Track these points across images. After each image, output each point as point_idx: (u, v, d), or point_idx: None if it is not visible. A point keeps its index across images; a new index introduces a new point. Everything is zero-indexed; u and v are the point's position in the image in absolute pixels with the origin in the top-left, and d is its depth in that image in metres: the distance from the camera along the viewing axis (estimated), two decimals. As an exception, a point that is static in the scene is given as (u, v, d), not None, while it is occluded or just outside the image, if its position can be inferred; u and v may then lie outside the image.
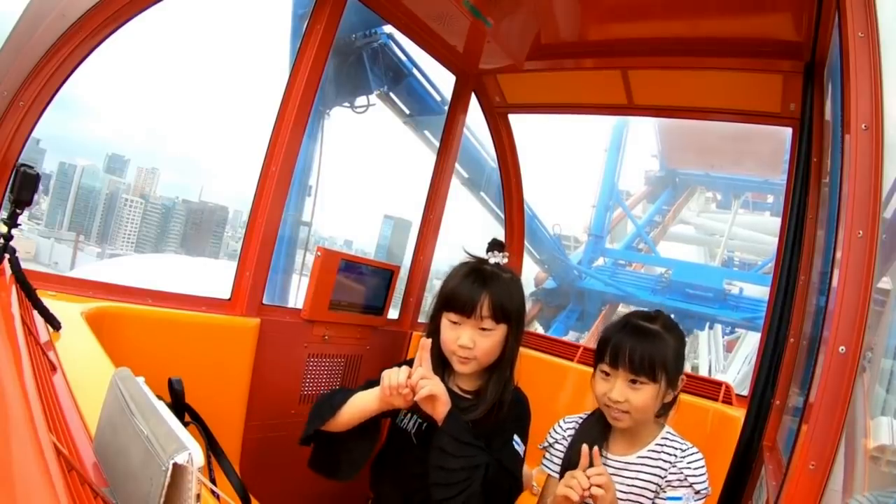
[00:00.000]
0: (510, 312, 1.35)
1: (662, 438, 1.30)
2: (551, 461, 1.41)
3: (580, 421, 1.41)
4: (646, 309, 1.58)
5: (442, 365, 1.40)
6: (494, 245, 1.43)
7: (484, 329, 1.33)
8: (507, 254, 1.44)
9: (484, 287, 1.32)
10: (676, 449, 1.28)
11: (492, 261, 1.41)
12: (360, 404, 1.34)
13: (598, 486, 1.15)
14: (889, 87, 0.92)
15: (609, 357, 1.27)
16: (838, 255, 0.93)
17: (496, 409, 1.36)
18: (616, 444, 1.33)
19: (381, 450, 1.47)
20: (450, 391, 1.40)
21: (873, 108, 0.92)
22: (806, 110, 1.61)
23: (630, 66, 2.14)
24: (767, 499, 1.17)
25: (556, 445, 1.41)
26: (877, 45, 0.95)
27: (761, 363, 1.57)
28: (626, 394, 1.24)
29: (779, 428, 1.57)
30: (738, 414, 1.76)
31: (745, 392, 2.01)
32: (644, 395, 1.24)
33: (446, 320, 1.37)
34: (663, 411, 1.32)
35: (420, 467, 1.31)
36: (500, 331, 1.35)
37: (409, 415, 1.40)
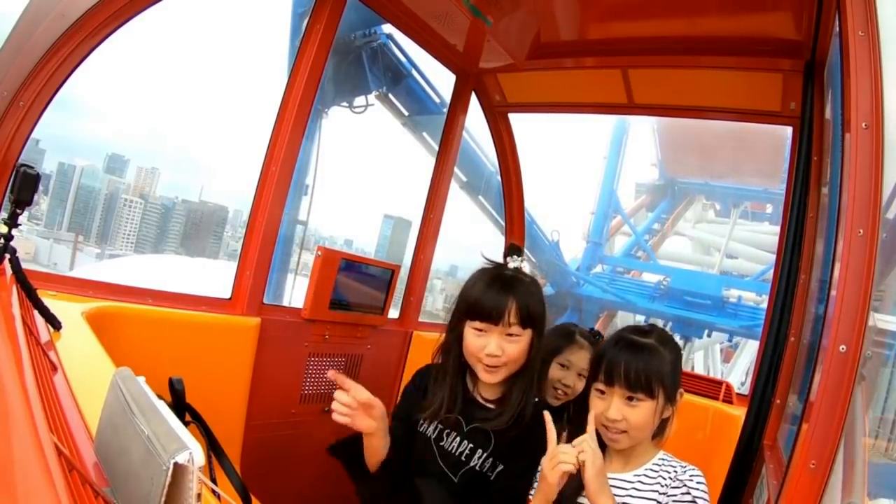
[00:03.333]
0: (536, 317, 1.33)
1: (660, 459, 1.27)
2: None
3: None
4: (643, 318, 1.52)
5: (462, 373, 1.40)
6: (513, 250, 1.42)
7: (511, 335, 1.31)
8: (525, 258, 1.42)
9: (510, 293, 1.30)
10: (676, 466, 1.24)
11: (511, 265, 1.39)
12: (369, 453, 1.34)
13: (583, 451, 1.13)
14: (889, 86, 0.92)
15: (604, 375, 1.23)
16: (839, 253, 0.93)
17: (520, 418, 1.33)
18: (611, 463, 1.28)
19: (405, 455, 1.43)
20: (473, 401, 1.40)
21: (874, 106, 0.92)
22: (806, 109, 1.61)
23: (630, 66, 2.14)
24: (768, 498, 1.17)
25: None
26: (877, 43, 0.95)
27: (762, 362, 1.57)
28: (624, 412, 1.20)
29: (779, 427, 1.57)
30: (739, 413, 1.76)
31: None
32: (642, 412, 1.20)
33: (471, 328, 1.34)
34: (660, 430, 1.28)
35: (438, 467, 1.35)
36: (526, 336, 1.33)
37: (428, 420, 1.40)
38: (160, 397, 0.60)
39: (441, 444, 1.37)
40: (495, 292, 1.31)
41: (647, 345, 1.23)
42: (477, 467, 1.34)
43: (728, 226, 14.64)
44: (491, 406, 1.39)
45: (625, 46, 2.11)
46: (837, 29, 1.16)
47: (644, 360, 1.20)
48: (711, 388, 2.05)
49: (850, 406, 0.85)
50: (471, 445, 1.35)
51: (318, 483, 2.02)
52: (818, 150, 1.59)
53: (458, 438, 1.37)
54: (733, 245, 14.39)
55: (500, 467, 1.34)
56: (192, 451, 0.51)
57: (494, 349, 1.29)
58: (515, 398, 1.35)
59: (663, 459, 1.26)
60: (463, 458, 1.35)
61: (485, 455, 1.34)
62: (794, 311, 1.58)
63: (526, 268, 1.41)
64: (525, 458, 1.31)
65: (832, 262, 0.99)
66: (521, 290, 1.32)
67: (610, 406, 1.20)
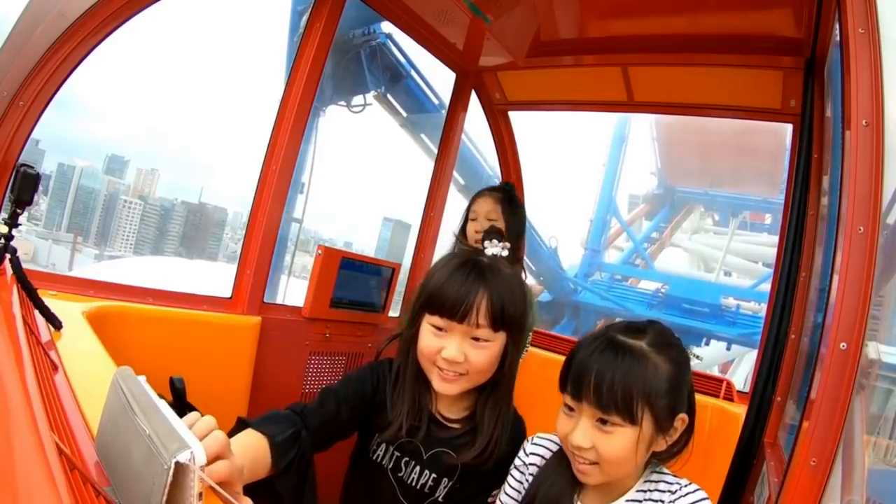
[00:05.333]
0: (512, 318, 1.04)
1: (647, 482, 0.96)
2: (510, 485, 1.06)
3: (552, 450, 1.05)
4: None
5: (421, 382, 1.10)
6: (493, 233, 1.13)
7: (477, 339, 1.02)
8: (507, 245, 1.13)
9: (481, 284, 1.01)
10: (665, 492, 0.92)
11: (489, 252, 1.10)
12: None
13: None
14: (890, 84, 0.92)
15: (571, 384, 0.90)
16: (839, 251, 0.93)
17: (494, 446, 1.07)
18: (589, 492, 0.98)
19: (351, 484, 1.22)
20: (432, 420, 1.12)
21: (874, 104, 0.92)
22: (806, 107, 1.61)
23: (630, 63, 2.14)
24: (769, 496, 1.17)
25: (518, 470, 1.07)
26: (877, 40, 0.95)
27: (762, 360, 1.57)
28: (594, 438, 0.88)
29: (780, 424, 1.58)
30: (740, 411, 1.76)
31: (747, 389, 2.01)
32: (618, 441, 0.87)
33: (428, 325, 1.05)
34: (664, 456, 0.96)
35: (398, 503, 1.12)
36: (498, 341, 1.04)
37: (382, 445, 1.12)
38: (161, 396, 0.60)
39: (399, 475, 1.12)
40: (462, 281, 1.01)
41: (632, 348, 0.89)
42: (441, 498, 1.11)
43: (725, 237, 14.53)
44: (455, 427, 1.12)
45: (625, 44, 2.11)
46: (837, 26, 1.16)
47: (622, 370, 0.86)
48: (712, 385, 2.05)
49: (850, 404, 0.86)
50: (434, 475, 1.10)
51: (318, 481, 2.02)
52: (818, 148, 1.59)
53: (417, 468, 1.11)
54: (730, 259, 14.27)
55: (457, 486, 1.11)
56: (194, 450, 0.51)
57: (454, 353, 1.01)
58: (488, 424, 1.07)
59: (650, 482, 0.96)
60: (427, 490, 1.11)
61: (451, 483, 1.11)
62: (794, 309, 1.58)
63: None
64: (487, 479, 1.11)
65: (832, 260, 0.99)
66: (497, 282, 1.03)
67: (575, 428, 0.89)
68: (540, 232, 11.06)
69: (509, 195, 1.96)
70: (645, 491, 0.95)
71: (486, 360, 1.04)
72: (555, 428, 0.96)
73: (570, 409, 0.92)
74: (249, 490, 0.82)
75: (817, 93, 1.61)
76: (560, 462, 1.01)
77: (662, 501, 0.92)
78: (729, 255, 14.17)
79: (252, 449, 0.90)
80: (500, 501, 1.08)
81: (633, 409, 0.86)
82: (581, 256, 13.39)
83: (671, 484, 0.94)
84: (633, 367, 0.87)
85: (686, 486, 0.93)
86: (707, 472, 1.22)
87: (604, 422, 0.87)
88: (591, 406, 0.87)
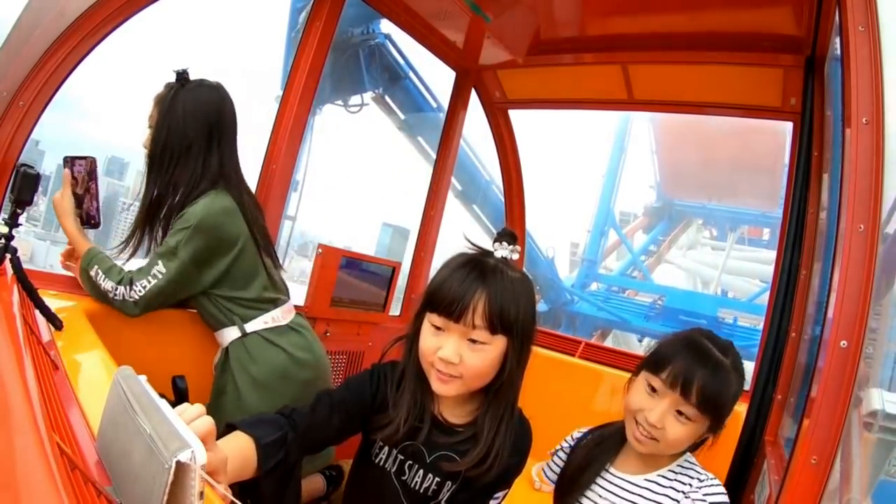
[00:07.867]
0: (512, 321, 1.00)
1: (679, 466, 1.12)
2: (550, 469, 1.28)
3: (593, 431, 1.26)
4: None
5: (423, 383, 1.08)
6: (504, 235, 1.09)
7: (474, 341, 0.99)
8: (518, 248, 1.10)
9: (480, 284, 0.99)
10: (693, 478, 1.09)
11: (498, 254, 1.07)
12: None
13: None
14: (890, 81, 0.92)
15: (670, 376, 1.06)
16: (839, 250, 0.93)
17: (494, 456, 1.04)
18: (626, 461, 1.16)
19: (353, 486, 1.20)
20: (435, 422, 1.09)
21: (874, 102, 0.92)
22: (806, 105, 1.61)
23: (630, 61, 2.13)
24: (770, 493, 1.17)
25: (560, 454, 1.28)
26: (877, 38, 0.95)
27: (763, 358, 1.57)
28: (667, 422, 1.06)
29: (780, 422, 1.58)
30: (740, 409, 1.76)
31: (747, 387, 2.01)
32: (686, 430, 1.05)
33: (428, 323, 1.03)
34: (694, 448, 1.14)
35: None
36: (496, 345, 1.00)
37: (385, 448, 1.11)
38: (162, 396, 0.60)
39: (403, 478, 1.10)
40: (462, 279, 0.99)
41: (725, 366, 1.07)
42: (444, 502, 1.10)
43: (722, 252, 14.38)
44: (457, 430, 1.09)
45: (625, 42, 2.10)
46: (838, 24, 1.15)
47: (719, 382, 1.05)
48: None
49: (850, 402, 0.86)
50: (437, 479, 1.08)
51: (319, 481, 2.02)
52: (819, 146, 1.59)
53: (420, 471, 1.09)
54: (727, 278, 14.16)
55: (460, 490, 1.08)
56: (195, 450, 0.51)
57: (450, 354, 0.99)
58: (488, 433, 1.04)
59: (682, 466, 1.12)
60: (430, 494, 1.09)
61: (454, 486, 1.08)
62: (794, 307, 1.58)
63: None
64: (491, 482, 1.07)
65: (833, 259, 0.99)
66: (499, 283, 0.99)
67: (655, 410, 1.06)
68: (538, 242, 11.06)
69: (181, 85, 1.40)
70: (676, 472, 1.11)
71: (482, 363, 1.01)
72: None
73: (654, 390, 1.09)
74: (234, 489, 0.85)
75: (817, 91, 1.61)
76: (603, 436, 1.21)
77: (691, 485, 1.08)
78: (725, 275, 14.07)
79: (239, 450, 0.91)
80: (545, 474, 1.26)
81: (710, 411, 1.04)
82: (576, 268, 13.41)
83: (700, 472, 1.11)
84: (724, 381, 1.05)
85: (711, 479, 1.09)
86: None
87: (681, 413, 1.06)
88: (682, 399, 1.05)
